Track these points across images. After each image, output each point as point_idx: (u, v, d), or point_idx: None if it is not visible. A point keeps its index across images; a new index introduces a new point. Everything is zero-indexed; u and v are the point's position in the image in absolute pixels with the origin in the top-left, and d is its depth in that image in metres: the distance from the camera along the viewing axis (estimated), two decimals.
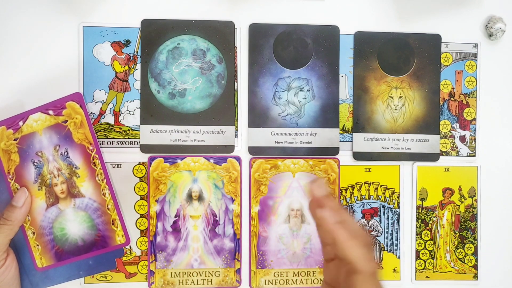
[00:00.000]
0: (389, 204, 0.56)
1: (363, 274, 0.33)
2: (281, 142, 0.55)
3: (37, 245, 0.50)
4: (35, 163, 0.50)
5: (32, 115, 0.50)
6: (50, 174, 0.50)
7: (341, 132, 0.56)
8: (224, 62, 0.55)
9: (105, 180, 0.51)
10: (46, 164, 0.50)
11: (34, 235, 0.50)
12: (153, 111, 0.54)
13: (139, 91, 0.54)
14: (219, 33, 0.54)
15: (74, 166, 0.51)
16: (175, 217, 0.54)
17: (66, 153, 0.51)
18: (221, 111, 0.54)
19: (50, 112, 0.50)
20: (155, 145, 0.54)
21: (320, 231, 0.37)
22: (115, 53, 0.53)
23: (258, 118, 0.55)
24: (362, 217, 0.56)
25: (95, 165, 0.51)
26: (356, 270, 0.33)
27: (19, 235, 0.50)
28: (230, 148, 0.54)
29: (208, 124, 0.54)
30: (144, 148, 0.54)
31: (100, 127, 0.53)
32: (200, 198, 0.54)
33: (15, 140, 0.50)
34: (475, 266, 0.57)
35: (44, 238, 0.51)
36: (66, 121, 0.50)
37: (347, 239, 0.34)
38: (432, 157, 0.56)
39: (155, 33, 0.54)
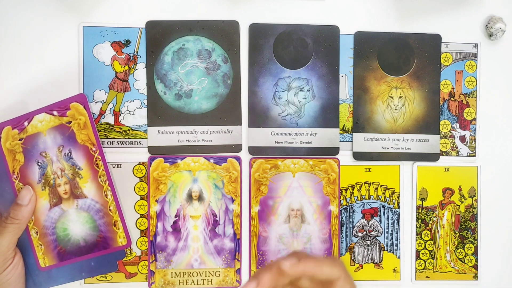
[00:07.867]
0: (389, 204, 0.56)
1: (341, 278, 0.36)
2: (281, 142, 0.55)
3: (40, 244, 0.51)
4: (39, 163, 0.50)
5: (37, 115, 0.50)
6: (53, 175, 0.51)
7: (341, 132, 0.56)
8: (230, 61, 0.55)
9: (107, 182, 0.51)
10: (50, 164, 0.51)
11: (37, 234, 0.51)
12: (160, 113, 0.54)
13: (139, 91, 0.54)
14: (223, 33, 0.54)
15: (77, 167, 0.51)
16: (175, 217, 0.54)
17: (69, 154, 0.51)
18: (227, 111, 0.55)
19: (55, 112, 0.50)
20: (163, 146, 0.54)
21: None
22: (115, 53, 0.54)
23: (258, 118, 0.55)
24: (362, 217, 0.56)
25: (97, 167, 0.51)
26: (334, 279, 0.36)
27: (23, 235, 0.50)
28: (238, 147, 0.55)
29: (215, 124, 0.54)
30: (152, 150, 0.54)
31: (100, 127, 0.54)
32: (200, 198, 0.54)
33: (20, 140, 0.50)
34: (475, 266, 0.57)
35: (47, 238, 0.51)
36: (70, 122, 0.51)
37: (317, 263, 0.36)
38: (432, 157, 0.56)
39: (159, 34, 0.54)
